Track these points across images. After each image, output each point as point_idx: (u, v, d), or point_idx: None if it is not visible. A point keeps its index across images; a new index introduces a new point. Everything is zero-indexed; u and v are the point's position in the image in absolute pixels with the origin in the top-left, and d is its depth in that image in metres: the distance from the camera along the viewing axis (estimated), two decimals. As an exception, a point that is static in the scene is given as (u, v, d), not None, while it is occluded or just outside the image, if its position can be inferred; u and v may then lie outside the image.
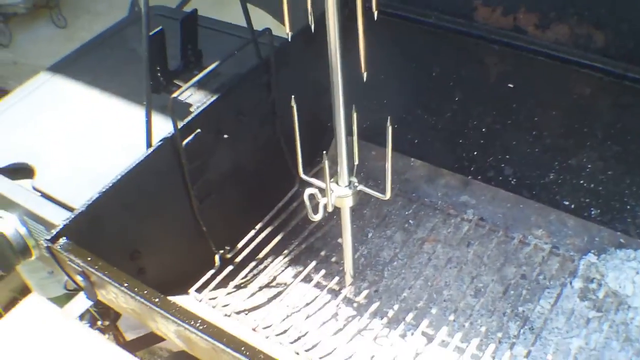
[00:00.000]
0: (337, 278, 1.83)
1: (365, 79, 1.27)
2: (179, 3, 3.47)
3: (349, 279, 1.78)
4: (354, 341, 1.71)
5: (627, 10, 1.75)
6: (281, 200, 1.96)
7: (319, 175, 1.63)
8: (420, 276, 1.85)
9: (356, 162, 1.50)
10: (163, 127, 1.60)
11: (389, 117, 1.37)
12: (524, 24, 1.88)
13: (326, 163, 1.42)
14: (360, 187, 1.53)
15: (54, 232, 1.41)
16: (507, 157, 1.98)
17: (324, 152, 1.43)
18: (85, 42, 2.28)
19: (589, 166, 1.89)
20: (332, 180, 1.50)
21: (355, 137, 1.46)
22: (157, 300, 1.27)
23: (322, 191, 1.52)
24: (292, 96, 1.42)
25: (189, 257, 1.77)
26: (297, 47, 1.84)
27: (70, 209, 1.67)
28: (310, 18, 1.28)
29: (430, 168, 2.08)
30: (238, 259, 1.84)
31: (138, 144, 1.59)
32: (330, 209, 1.51)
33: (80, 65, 2.17)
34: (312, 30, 1.30)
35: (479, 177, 2.02)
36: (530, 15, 1.87)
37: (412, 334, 1.72)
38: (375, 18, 1.21)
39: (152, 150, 1.57)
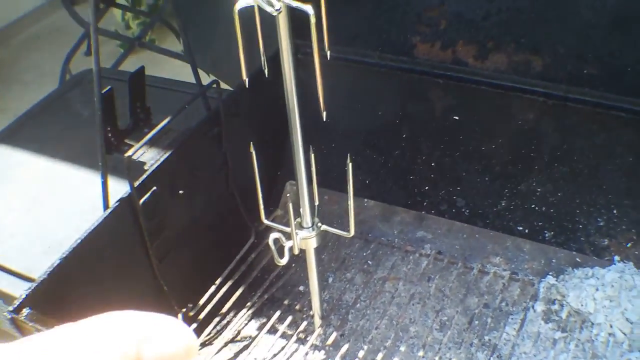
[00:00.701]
0: (303, 325, 1.81)
1: (325, 119, 1.28)
2: (113, 64, 3.47)
3: (318, 321, 1.76)
4: (328, 385, 1.70)
5: (563, 33, 1.80)
6: (239, 253, 1.95)
7: (275, 222, 1.62)
8: (385, 315, 1.84)
9: (317, 203, 1.50)
10: (116, 187, 1.58)
11: (348, 155, 1.38)
12: (464, 56, 1.92)
13: (290, 205, 1.42)
14: (324, 227, 1.53)
15: (16, 303, 1.37)
16: (458, 188, 2.01)
17: (287, 195, 1.43)
18: (24, 112, 2.26)
19: (539, 190, 1.92)
20: (295, 222, 1.50)
21: (314, 178, 1.46)
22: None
23: (285, 235, 1.52)
24: (251, 142, 1.41)
25: (153, 317, 1.74)
26: (246, 95, 1.85)
27: (28, 279, 1.63)
28: (264, 61, 1.28)
29: (384, 207, 2.08)
30: (201, 316, 1.81)
31: (92, 208, 1.57)
32: (296, 251, 1.51)
33: (23, 134, 2.14)
34: (266, 75, 1.30)
35: (433, 212, 2.03)
36: (469, 47, 1.91)
37: (384, 373, 1.71)
38: (329, 58, 1.22)
39: (110, 211, 1.54)
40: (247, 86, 1.28)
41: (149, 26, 3.91)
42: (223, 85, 1.83)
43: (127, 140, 1.71)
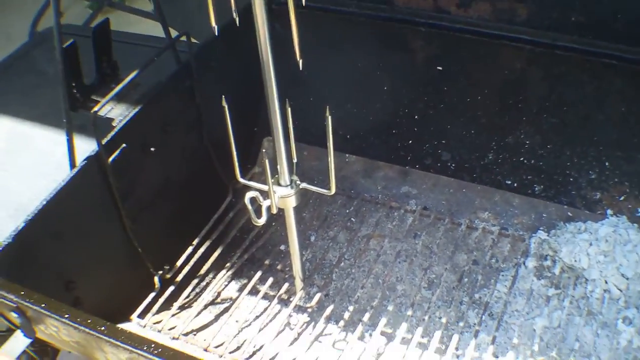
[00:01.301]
0: (285, 286, 1.75)
1: (301, 67, 1.20)
2: (83, 23, 3.38)
3: (299, 283, 1.70)
4: (313, 349, 1.63)
5: (548, -22, 1.73)
6: (216, 212, 1.88)
7: (252, 180, 1.55)
8: (371, 274, 1.78)
9: (295, 160, 1.43)
10: (84, 146, 1.50)
11: (327, 107, 1.30)
12: (446, 3, 1.84)
13: (267, 161, 1.34)
14: (303, 185, 1.46)
15: (-20, 268, 1.30)
16: (444, 142, 1.94)
17: (263, 150, 1.36)
18: (-11, 70, 2.18)
19: (527, 142, 1.86)
20: (272, 180, 1.42)
21: (291, 134, 1.38)
22: (103, 328, 1.17)
23: (263, 194, 1.45)
24: (223, 96, 1.33)
25: (127, 281, 1.67)
26: (219, 47, 1.77)
27: (-8, 243, 1.56)
28: (234, 8, 1.20)
29: (366, 162, 2.01)
30: (179, 278, 1.75)
31: (59, 168, 1.50)
32: (274, 211, 1.43)
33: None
34: (237, 24, 1.22)
35: (417, 166, 1.96)
36: (451, -6, 1.83)
37: (371, 334, 1.65)
38: (304, 4, 1.14)
39: (76, 171, 1.47)
40: (217, 34, 1.20)
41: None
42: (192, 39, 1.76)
43: (93, 97, 1.63)
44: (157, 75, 1.65)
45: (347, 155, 2.02)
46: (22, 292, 1.24)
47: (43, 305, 1.21)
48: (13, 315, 1.28)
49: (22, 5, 4.25)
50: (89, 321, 1.18)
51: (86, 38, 1.69)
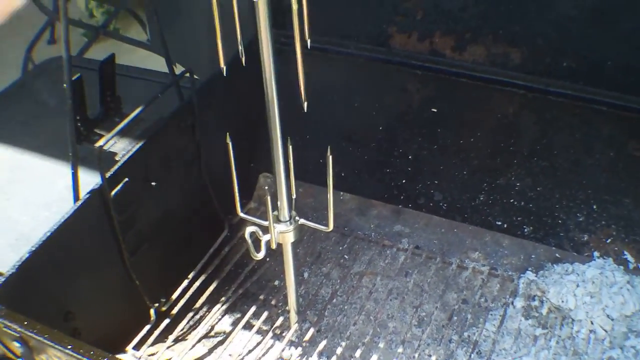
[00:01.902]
0: (279, 321, 1.77)
1: (305, 109, 1.23)
2: (78, 52, 3.40)
3: (294, 317, 1.72)
4: (306, 383, 1.65)
5: (542, 26, 1.78)
6: (212, 247, 1.90)
7: (249, 215, 1.58)
8: (363, 311, 1.80)
9: (294, 196, 1.46)
10: (87, 179, 1.53)
11: (329, 147, 1.33)
12: (441, 47, 1.88)
13: (268, 197, 1.37)
14: (302, 221, 1.49)
15: (-17, 298, 1.32)
16: (436, 182, 1.97)
17: (266, 187, 1.39)
18: (-13, 101, 2.19)
19: (518, 184, 1.89)
20: (272, 216, 1.45)
21: (291, 170, 1.41)
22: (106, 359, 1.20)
23: (262, 229, 1.47)
24: (227, 133, 1.37)
25: (124, 313, 1.69)
26: (220, 84, 1.80)
27: (-6, 274, 1.57)
28: (241, 49, 1.24)
29: (360, 200, 2.04)
30: (174, 311, 1.77)
31: (62, 200, 1.52)
32: (274, 246, 1.46)
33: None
34: (243, 63, 1.25)
35: (410, 205, 1.99)
36: (446, 39, 1.88)
37: (363, 370, 1.67)
38: (309, 47, 1.18)
39: (80, 204, 1.49)
40: (225, 74, 1.23)
41: (113, 15, 3.83)
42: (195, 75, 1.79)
43: (97, 130, 1.65)
44: (159, 109, 1.67)
45: (341, 193, 2.05)
46: (26, 322, 1.26)
47: (46, 335, 1.23)
48: (15, 345, 1.30)
49: (16, 32, 4.27)
50: (91, 352, 1.20)
51: (85, 69, 1.72)
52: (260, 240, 1.47)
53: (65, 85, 1.44)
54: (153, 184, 1.66)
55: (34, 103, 2.13)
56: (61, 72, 2.05)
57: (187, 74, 1.68)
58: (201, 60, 2.14)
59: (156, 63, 1.76)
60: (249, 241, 1.46)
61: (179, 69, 1.77)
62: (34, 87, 2.20)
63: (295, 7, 1.10)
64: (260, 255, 1.48)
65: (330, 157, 1.34)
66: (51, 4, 3.47)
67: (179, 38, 2.33)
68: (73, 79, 1.48)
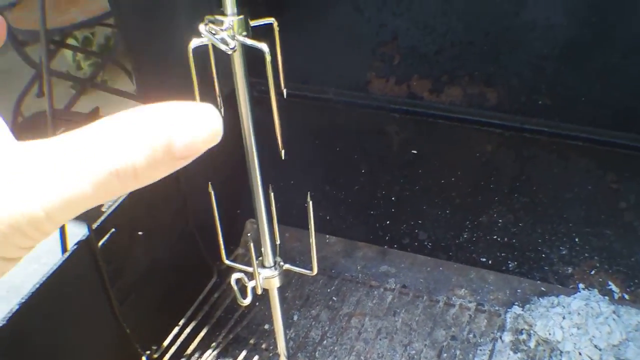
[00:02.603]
0: (270, 365, 1.80)
1: (283, 157, 1.26)
2: (66, 104, 3.43)
3: (284, 361, 1.74)
4: None
5: (515, 65, 1.81)
6: (201, 293, 1.93)
7: (236, 261, 1.60)
8: (353, 351, 1.82)
9: (278, 242, 1.48)
10: (74, 230, 1.55)
11: (308, 193, 1.36)
12: (419, 90, 1.92)
13: (252, 245, 1.40)
14: (287, 266, 1.51)
15: (-26, 353, 1.34)
16: (420, 222, 2.00)
17: (248, 234, 1.41)
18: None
19: (500, 221, 1.93)
20: (257, 262, 1.48)
21: (274, 217, 1.44)
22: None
23: (247, 274, 1.50)
24: (210, 183, 1.40)
25: (116, 363, 1.71)
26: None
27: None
28: (220, 101, 1.27)
29: (346, 242, 2.07)
30: (166, 358, 1.79)
31: (49, 251, 1.53)
32: (259, 292, 1.48)
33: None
34: (222, 115, 1.28)
35: (395, 246, 2.03)
36: (423, 82, 1.91)
37: (354, 411, 1.69)
38: (285, 96, 1.21)
39: (68, 255, 1.51)
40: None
41: (101, 66, 3.88)
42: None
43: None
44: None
45: (327, 236, 2.08)
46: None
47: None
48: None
49: (5, 84, 4.30)
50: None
51: (72, 122, 1.75)
52: (246, 287, 1.49)
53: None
54: (140, 233, 1.69)
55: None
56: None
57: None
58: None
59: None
60: (235, 288, 1.48)
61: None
62: (23, 140, 2.22)
63: (268, 59, 1.13)
64: (247, 301, 1.49)
65: (311, 202, 1.37)
66: (38, 57, 3.51)
67: (165, 89, 2.37)
68: (57, 133, 1.51)
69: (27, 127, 2.38)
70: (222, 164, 1.92)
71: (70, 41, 3.97)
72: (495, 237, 1.93)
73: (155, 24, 1.97)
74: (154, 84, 2.10)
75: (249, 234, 2.03)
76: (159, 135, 0.39)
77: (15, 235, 0.38)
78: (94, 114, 1.69)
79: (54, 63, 3.73)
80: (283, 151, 1.28)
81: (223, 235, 1.51)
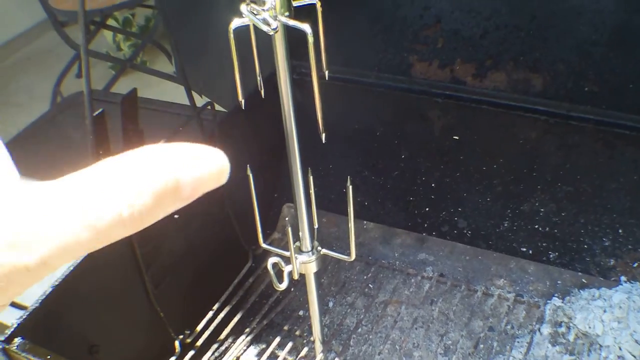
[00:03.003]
0: (304, 351, 1.77)
1: (324, 140, 1.24)
2: (105, 85, 3.44)
3: (319, 346, 1.71)
4: (331, 414, 1.65)
5: (562, 51, 1.77)
6: (236, 278, 1.91)
7: (272, 246, 1.58)
8: (388, 340, 1.80)
9: (316, 226, 1.46)
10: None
11: (348, 177, 1.34)
12: (462, 74, 1.88)
13: (289, 228, 1.38)
14: (324, 251, 1.49)
15: (8, 332, 1.33)
16: (460, 209, 1.97)
17: (286, 219, 1.39)
18: (15, 134, 2.22)
19: (542, 210, 1.89)
20: (294, 246, 1.45)
21: (313, 201, 1.42)
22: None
23: (284, 259, 1.47)
24: (248, 165, 1.37)
25: (149, 345, 1.70)
26: (241, 116, 1.81)
27: (20, 307, 1.58)
28: (260, 82, 1.24)
29: (384, 229, 2.04)
30: (199, 343, 1.77)
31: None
32: (296, 276, 1.46)
33: (14, 157, 2.09)
34: (263, 96, 1.26)
35: (434, 233, 1.99)
36: (467, 66, 1.88)
37: (389, 400, 1.67)
38: (327, 78, 1.19)
39: (103, 237, 1.50)
40: (243, 108, 1.24)
41: (140, 47, 3.88)
42: (216, 107, 1.80)
43: (120, 165, 1.66)
44: (182, 142, 1.68)
45: (365, 222, 2.05)
46: (49, 357, 1.27)
47: (71, 370, 1.25)
48: (40, 379, 1.31)
49: (45, 65, 4.33)
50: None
51: (110, 104, 1.74)
52: (283, 271, 1.47)
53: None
54: (176, 216, 1.67)
55: (60, 137, 2.15)
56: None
57: (209, 107, 1.70)
58: (226, 92, 2.16)
59: (184, 95, 1.78)
60: (272, 272, 1.46)
61: (202, 100, 1.78)
62: (61, 121, 2.23)
63: (311, 40, 1.11)
64: (283, 286, 1.47)
65: (351, 187, 1.34)
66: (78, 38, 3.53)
67: (204, 70, 2.36)
68: (95, 114, 1.50)
69: (65, 107, 2.37)
70: (260, 147, 1.91)
71: (111, 22, 3.98)
72: (536, 226, 1.89)
73: (195, 4, 1.95)
74: (193, 66, 2.09)
75: (286, 219, 2.01)
76: (166, 177, 0.39)
77: (8, 286, 0.37)
78: (132, 96, 1.67)
79: (94, 44, 3.75)
80: (324, 134, 1.25)
81: (260, 219, 1.49)
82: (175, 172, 0.39)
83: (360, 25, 1.96)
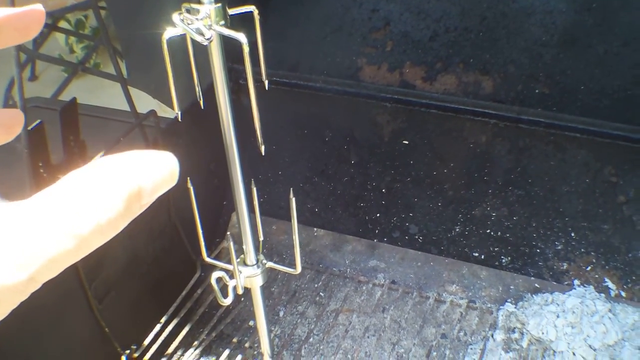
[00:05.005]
0: (253, 363, 1.74)
1: (263, 153, 1.20)
2: (54, 92, 3.38)
3: (267, 361, 1.69)
4: None
5: (512, 52, 1.76)
6: (184, 289, 1.86)
7: (221, 256, 1.54)
8: (339, 350, 1.77)
9: (261, 239, 1.42)
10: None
11: (291, 189, 1.30)
12: (411, 78, 1.86)
13: (231, 244, 1.34)
14: (269, 264, 1.45)
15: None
16: (411, 215, 1.94)
17: (228, 232, 1.35)
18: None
19: (494, 214, 1.87)
20: (238, 260, 1.42)
21: (257, 213, 1.38)
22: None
23: (229, 273, 1.44)
24: (188, 178, 1.33)
25: (94, 362, 1.65)
26: (187, 125, 1.77)
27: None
28: (198, 92, 1.21)
29: (334, 236, 2.01)
30: (146, 357, 1.72)
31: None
32: (240, 291, 1.42)
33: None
34: (202, 107, 1.22)
35: (385, 240, 1.96)
36: (416, 69, 1.85)
37: (340, 411, 1.64)
38: (267, 88, 1.15)
39: (42, 253, 1.45)
40: (180, 119, 1.20)
41: (92, 49, 3.82)
42: (165, 112, 1.75)
43: (60, 176, 1.62)
44: (125, 150, 1.64)
45: (315, 229, 2.01)
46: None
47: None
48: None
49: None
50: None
51: (54, 111, 1.69)
52: (227, 286, 1.44)
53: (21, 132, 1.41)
54: (119, 228, 1.63)
55: (1, 148, 2.09)
56: (34, 111, 2.02)
57: (152, 116, 1.65)
58: (177, 94, 2.11)
59: (139, 97, 1.74)
60: (216, 287, 1.42)
61: (156, 104, 1.74)
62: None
63: (246, 49, 1.07)
64: (228, 301, 1.43)
65: (294, 199, 1.31)
66: (31, 43, 3.48)
67: (155, 73, 2.31)
68: (31, 127, 1.46)
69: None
70: (206, 154, 1.87)
71: (64, 24, 3.91)
72: (488, 231, 1.87)
73: (143, 7, 1.91)
74: (144, 68, 2.04)
75: (229, 233, 1.97)
76: (132, 184, 0.39)
77: None
78: (71, 106, 1.63)
79: (47, 47, 3.69)
80: (263, 147, 1.22)
81: (204, 231, 1.45)
82: (137, 179, 0.39)
83: (307, 29, 1.92)
